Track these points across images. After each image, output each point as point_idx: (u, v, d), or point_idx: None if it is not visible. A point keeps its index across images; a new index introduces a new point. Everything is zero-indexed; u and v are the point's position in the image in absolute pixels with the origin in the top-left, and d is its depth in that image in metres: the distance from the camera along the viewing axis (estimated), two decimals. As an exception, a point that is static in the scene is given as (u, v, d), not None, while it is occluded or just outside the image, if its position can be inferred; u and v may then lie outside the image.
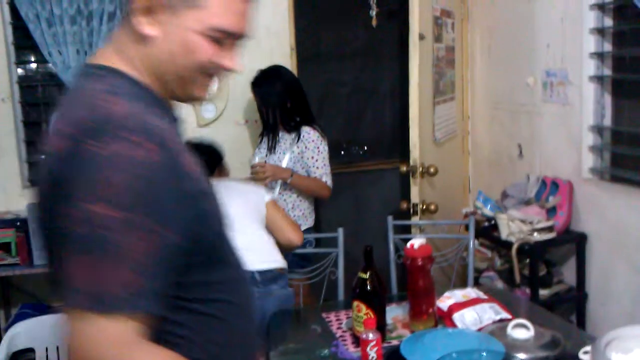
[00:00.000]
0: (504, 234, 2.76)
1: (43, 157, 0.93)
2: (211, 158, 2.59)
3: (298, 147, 2.88)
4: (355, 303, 1.80)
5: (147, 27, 0.99)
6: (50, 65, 3.22)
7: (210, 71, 1.03)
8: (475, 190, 3.42)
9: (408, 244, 1.87)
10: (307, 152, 2.88)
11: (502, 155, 3.36)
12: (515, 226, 2.72)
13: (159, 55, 1.00)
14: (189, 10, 0.98)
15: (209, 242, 1.00)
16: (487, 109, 3.48)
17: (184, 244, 0.93)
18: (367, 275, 1.80)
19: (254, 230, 2.39)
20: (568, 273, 2.84)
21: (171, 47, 0.99)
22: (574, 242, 2.75)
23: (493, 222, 2.89)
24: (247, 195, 2.47)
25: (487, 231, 2.93)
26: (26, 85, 3.31)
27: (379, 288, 1.81)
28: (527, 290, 2.72)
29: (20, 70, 3.32)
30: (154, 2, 0.98)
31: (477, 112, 3.59)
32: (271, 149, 2.94)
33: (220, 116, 3.40)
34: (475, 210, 3.04)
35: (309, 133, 2.88)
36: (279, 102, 2.87)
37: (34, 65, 3.36)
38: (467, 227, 2.83)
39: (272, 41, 3.36)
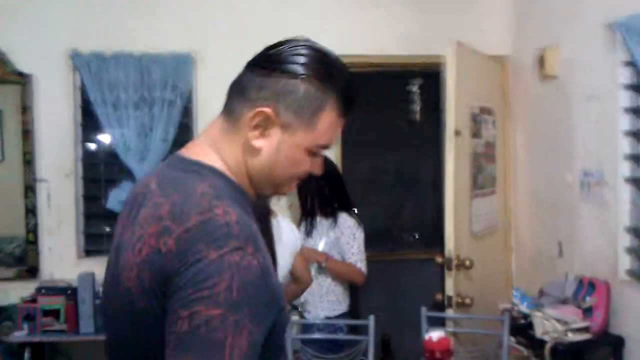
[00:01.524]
0: (538, 332, 2.70)
1: (139, 244, 0.98)
2: None
3: (334, 232, 2.97)
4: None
5: (261, 139, 1.06)
6: (112, 144, 3.48)
7: (301, 177, 1.13)
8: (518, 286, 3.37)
9: (426, 336, 1.89)
10: (343, 237, 2.96)
11: (543, 252, 3.32)
12: (550, 325, 2.67)
13: (262, 164, 1.07)
14: (304, 130, 1.05)
15: (276, 335, 1.03)
16: (529, 205, 3.49)
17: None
18: (383, 365, 1.83)
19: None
20: (604, 379, 2.73)
21: (277, 159, 1.07)
22: (610, 345, 2.65)
23: (529, 319, 2.84)
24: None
25: (523, 328, 2.87)
26: (89, 162, 3.56)
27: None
28: (561, 394, 2.62)
29: (84, 148, 3.58)
30: (277, 121, 1.04)
31: (519, 208, 3.60)
32: (308, 233, 3.03)
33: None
34: (512, 307, 3.00)
35: (345, 220, 2.97)
36: (317, 188, 2.99)
37: (96, 144, 3.60)
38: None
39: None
